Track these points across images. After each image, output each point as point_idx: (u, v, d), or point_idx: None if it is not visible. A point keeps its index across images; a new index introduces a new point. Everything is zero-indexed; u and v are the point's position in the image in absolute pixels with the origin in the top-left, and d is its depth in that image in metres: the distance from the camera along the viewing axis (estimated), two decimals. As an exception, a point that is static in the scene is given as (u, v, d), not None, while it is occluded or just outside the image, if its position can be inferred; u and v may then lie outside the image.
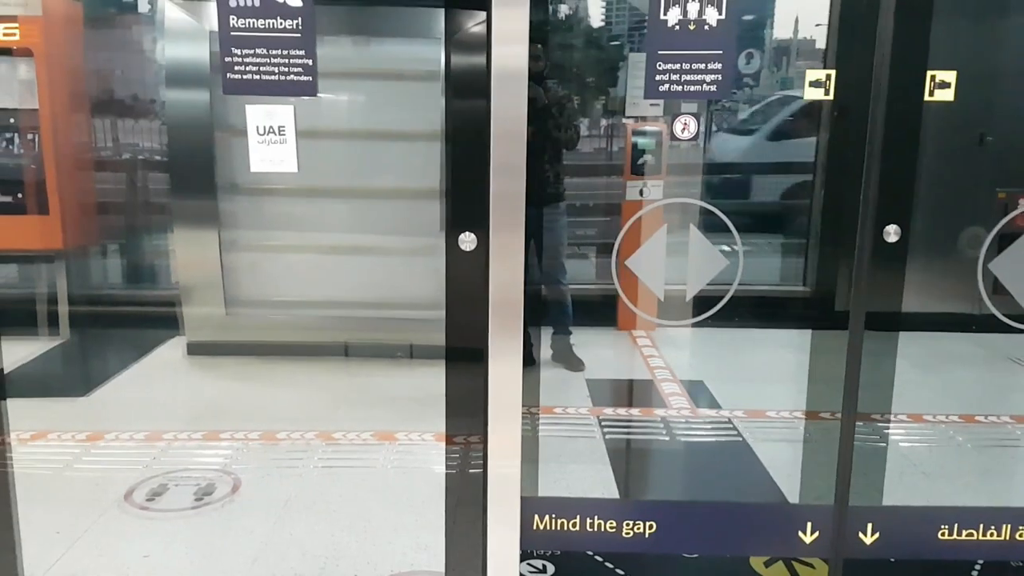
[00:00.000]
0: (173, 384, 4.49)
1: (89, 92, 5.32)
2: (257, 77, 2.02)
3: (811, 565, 2.60)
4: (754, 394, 4.22)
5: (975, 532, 2.28)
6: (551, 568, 2.67)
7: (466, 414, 2.21)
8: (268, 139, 2.08)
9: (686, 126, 2.21)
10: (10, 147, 4.74)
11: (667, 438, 3.74)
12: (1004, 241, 2.29)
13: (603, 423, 3.80)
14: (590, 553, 2.56)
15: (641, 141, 5.17)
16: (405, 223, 4.72)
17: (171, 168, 4.71)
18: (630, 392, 4.29)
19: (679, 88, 2.06)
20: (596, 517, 2.33)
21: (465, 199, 2.12)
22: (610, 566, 2.64)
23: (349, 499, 3.19)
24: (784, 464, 3.36)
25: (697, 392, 4.23)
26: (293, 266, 4.87)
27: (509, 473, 2.18)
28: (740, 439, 3.71)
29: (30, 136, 4.75)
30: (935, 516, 2.30)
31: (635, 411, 3.98)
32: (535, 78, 3.95)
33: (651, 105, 5.54)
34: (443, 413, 3.95)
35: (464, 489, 2.26)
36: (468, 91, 2.09)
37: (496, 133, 2.04)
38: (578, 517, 2.34)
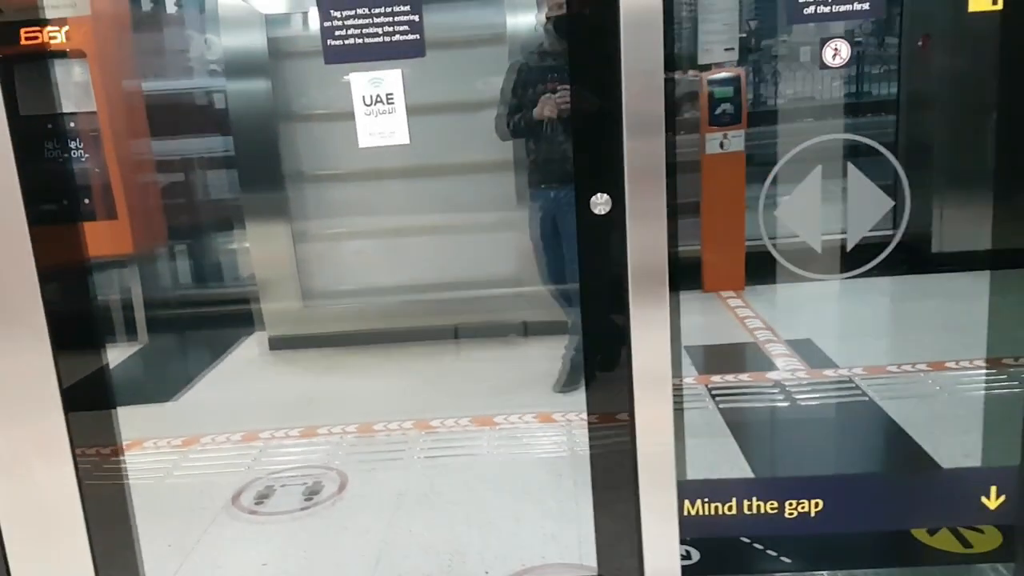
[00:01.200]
0: (259, 381, 4.38)
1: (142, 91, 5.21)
2: (360, 41, 1.83)
3: (980, 530, 2.36)
4: (868, 348, 3.97)
5: None
6: (695, 554, 2.47)
7: (610, 390, 2.01)
8: (376, 110, 1.89)
9: (837, 52, 1.95)
10: (73, 152, 4.64)
11: (787, 403, 3.51)
12: None
13: (713, 393, 3.59)
14: (741, 538, 2.36)
15: (718, 90, 4.90)
16: (480, 198, 4.53)
17: (238, 162, 4.57)
18: (735, 357, 4.05)
19: (826, 8, 1.83)
20: (755, 498, 2.13)
21: (593, 157, 1.91)
22: (760, 547, 2.43)
23: (460, 489, 3.03)
24: (921, 422, 3.13)
25: (807, 351, 3.99)
26: (367, 252, 4.73)
27: (662, 453, 1.99)
28: (866, 398, 3.47)
29: (91, 139, 4.65)
30: None
31: (745, 377, 3.75)
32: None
33: (725, 50, 5.27)
34: (536, 393, 3.83)
35: (611, 472, 2.07)
36: (591, 33, 1.87)
37: (628, 75, 1.82)
38: (734, 500, 2.14)
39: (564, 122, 3.43)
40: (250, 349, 4.76)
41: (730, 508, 2.14)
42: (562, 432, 3.39)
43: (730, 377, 3.75)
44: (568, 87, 3.19)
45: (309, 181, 4.57)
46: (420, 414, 3.60)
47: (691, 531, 2.09)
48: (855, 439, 3.32)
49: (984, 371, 3.57)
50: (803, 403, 3.50)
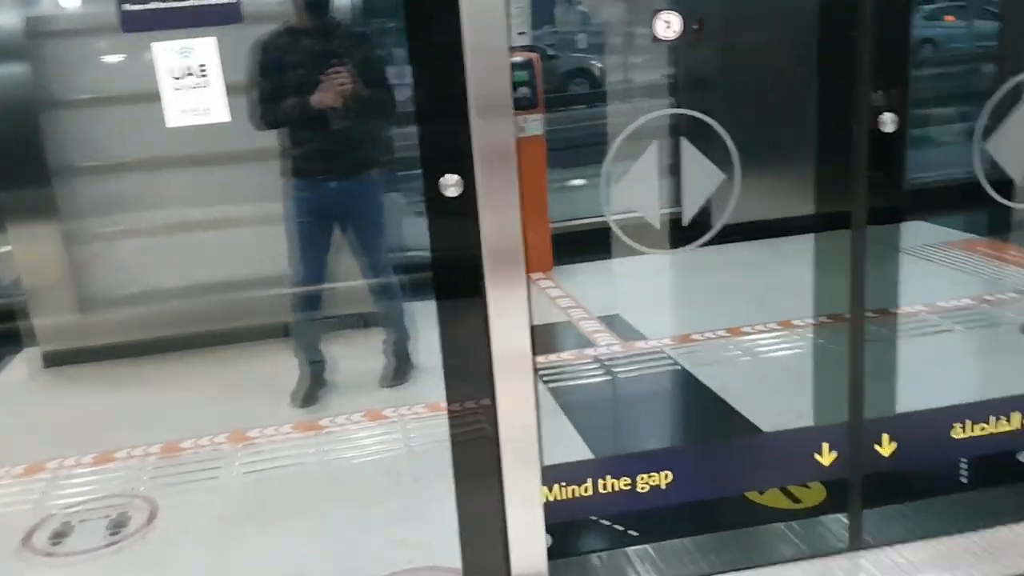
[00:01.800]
0: (35, 405, 3.85)
1: None
2: (165, 5, 1.59)
3: (807, 486, 2.50)
4: (671, 319, 4.15)
5: (987, 425, 2.26)
6: (548, 539, 2.43)
7: (469, 376, 1.91)
8: (187, 83, 1.66)
9: (668, 24, 1.95)
10: None
11: (608, 378, 3.57)
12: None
13: (539, 373, 3.58)
14: (593, 517, 2.34)
15: (515, 75, 4.89)
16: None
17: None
18: (553, 337, 4.08)
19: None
20: (609, 476, 2.12)
21: (440, 137, 1.80)
22: (607, 523, 2.44)
23: (292, 503, 2.81)
24: (730, 385, 3.29)
25: (618, 326, 4.09)
26: (150, 252, 4.27)
27: (525, 438, 1.92)
28: (678, 367, 3.61)
29: None
30: (947, 416, 2.25)
31: (566, 355, 3.78)
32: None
33: (518, 34, 5.27)
34: (359, 390, 3.65)
35: (473, 462, 1.97)
36: (432, 11, 1.75)
37: (473, 54, 1.73)
38: (590, 480, 2.12)
39: (345, 107, 3.17)
40: (18, 370, 4.18)
41: (586, 489, 2.11)
42: (395, 429, 3.25)
43: (553, 357, 3.77)
44: (344, 70, 3.05)
45: (80, 174, 4.06)
46: (233, 425, 3.31)
47: (555, 517, 2.04)
48: (678, 407, 3.45)
49: (778, 333, 3.85)
50: (623, 376, 3.59)
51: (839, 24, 2.08)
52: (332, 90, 3.10)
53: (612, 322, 4.14)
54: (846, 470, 2.22)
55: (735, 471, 2.22)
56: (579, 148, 6.89)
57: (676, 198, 2.11)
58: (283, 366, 3.72)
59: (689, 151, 2.04)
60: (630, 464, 2.13)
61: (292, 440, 3.24)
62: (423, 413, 3.37)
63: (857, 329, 2.17)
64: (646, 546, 2.30)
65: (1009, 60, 4.54)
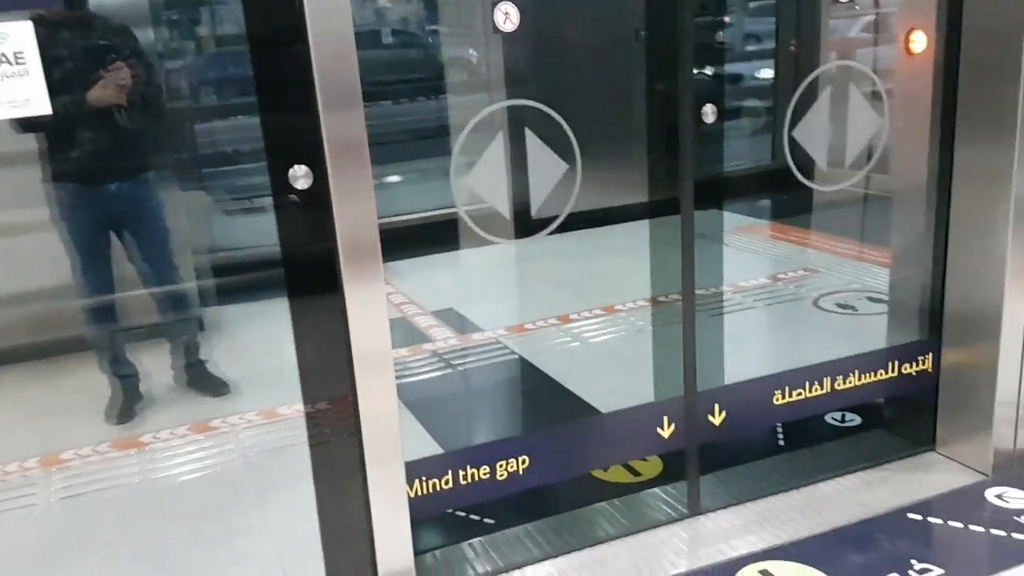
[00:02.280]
0: None
1: None
2: (-32, -18, 1.43)
3: (646, 459, 2.64)
4: (503, 310, 4.23)
5: (803, 391, 2.47)
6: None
7: (326, 376, 1.86)
8: (1, 73, 1.50)
9: (507, 15, 1.97)
10: None
11: (449, 371, 3.59)
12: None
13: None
14: (450, 511, 2.35)
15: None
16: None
17: None
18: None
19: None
20: (469, 466, 2.13)
21: (287, 127, 1.73)
22: (463, 515, 2.45)
23: (120, 526, 2.61)
24: (564, 370, 3.41)
25: (453, 320, 4.12)
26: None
27: (388, 435, 1.88)
28: (515, 355, 3.69)
29: None
30: (769, 384, 2.45)
31: (404, 351, 3.75)
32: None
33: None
34: (181, 402, 3.43)
35: (334, 464, 1.92)
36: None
37: (318, 42, 1.67)
38: (450, 473, 2.12)
39: (128, 103, 2.95)
40: None
41: (447, 482, 2.11)
42: (227, 440, 3.09)
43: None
44: (124, 65, 2.83)
45: None
46: (44, 448, 3.02)
47: (419, 513, 2.02)
48: (518, 395, 3.52)
49: (604, 317, 4.02)
50: (462, 369, 3.61)
51: (663, 17, 2.20)
52: (113, 86, 2.87)
53: (446, 316, 4.15)
54: (684, 441, 2.36)
55: (588, 451, 2.30)
56: (394, 144, 6.84)
57: (518, 190, 2.15)
58: (91, 382, 3.44)
59: (534, 141, 2.09)
60: (489, 452, 2.15)
61: (111, 460, 3.00)
62: (256, 421, 3.23)
63: (688, 308, 2.31)
64: (492, 535, 2.35)
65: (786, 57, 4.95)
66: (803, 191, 2.53)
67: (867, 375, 2.54)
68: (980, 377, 2.46)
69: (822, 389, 2.48)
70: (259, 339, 3.70)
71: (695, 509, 2.42)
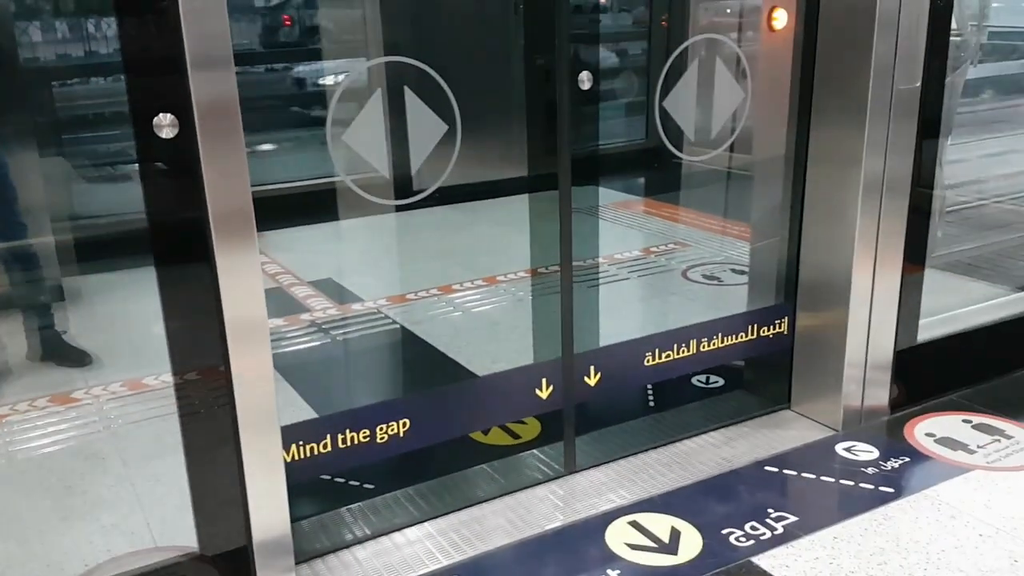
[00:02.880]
0: None
1: None
2: None
3: (524, 423, 2.70)
4: (386, 281, 4.21)
5: (671, 352, 2.59)
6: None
7: (197, 344, 1.81)
8: None
9: None
10: None
11: (327, 340, 3.55)
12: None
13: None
14: (324, 477, 2.34)
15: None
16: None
17: None
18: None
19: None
20: (348, 430, 2.13)
21: (148, 68, 1.66)
22: (342, 481, 2.45)
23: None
24: (445, 338, 3.44)
25: (330, 290, 4.07)
26: None
27: (263, 404, 1.86)
28: (396, 325, 3.69)
29: None
30: (640, 346, 2.55)
31: (279, 321, 3.68)
32: None
33: None
34: (39, 372, 3.24)
35: (206, 434, 1.88)
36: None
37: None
38: (328, 436, 2.11)
39: None
40: None
41: (325, 446, 2.11)
42: (91, 412, 2.96)
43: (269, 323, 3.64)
44: None
45: None
46: None
47: (296, 477, 2.01)
48: (399, 362, 3.52)
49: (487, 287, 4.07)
50: (341, 338, 3.58)
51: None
52: None
53: (324, 286, 4.10)
54: (561, 402, 2.43)
55: (469, 412, 2.34)
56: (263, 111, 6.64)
57: (399, 153, 2.14)
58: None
59: (413, 100, 2.08)
60: (369, 415, 2.16)
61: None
62: (121, 392, 3.11)
63: (567, 278, 2.38)
64: (372, 500, 2.37)
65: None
66: (673, 169, 2.63)
67: (729, 337, 2.68)
68: (831, 340, 2.65)
69: (689, 351, 2.61)
70: (122, 309, 3.55)
71: (571, 468, 2.51)
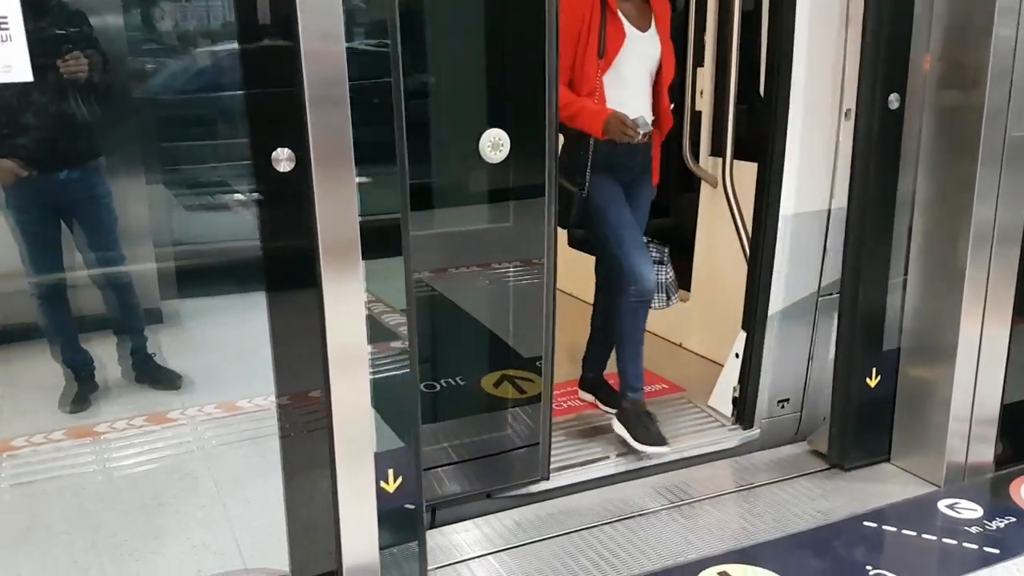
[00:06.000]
0: None
1: None
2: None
3: (531, 379, 2.63)
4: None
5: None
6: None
7: (300, 369, 1.84)
8: (-16, 38, 1.47)
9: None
10: None
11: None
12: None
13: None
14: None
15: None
16: None
17: None
18: None
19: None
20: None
21: (271, 107, 1.72)
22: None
23: (74, 516, 2.54)
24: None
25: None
26: None
27: (360, 429, 1.88)
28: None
29: None
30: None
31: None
32: None
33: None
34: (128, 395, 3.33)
35: (304, 458, 1.90)
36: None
37: (306, 21, 1.66)
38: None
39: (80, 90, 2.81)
40: None
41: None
42: (185, 432, 3.03)
43: None
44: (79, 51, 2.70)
45: None
46: (-8, 435, 2.93)
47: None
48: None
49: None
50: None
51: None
52: (69, 74, 2.77)
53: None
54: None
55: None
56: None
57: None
58: (45, 370, 3.35)
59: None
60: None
61: (65, 449, 2.92)
62: (216, 413, 3.17)
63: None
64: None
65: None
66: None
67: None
68: (936, 392, 2.54)
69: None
70: (219, 334, 3.63)
71: (657, 513, 2.44)
